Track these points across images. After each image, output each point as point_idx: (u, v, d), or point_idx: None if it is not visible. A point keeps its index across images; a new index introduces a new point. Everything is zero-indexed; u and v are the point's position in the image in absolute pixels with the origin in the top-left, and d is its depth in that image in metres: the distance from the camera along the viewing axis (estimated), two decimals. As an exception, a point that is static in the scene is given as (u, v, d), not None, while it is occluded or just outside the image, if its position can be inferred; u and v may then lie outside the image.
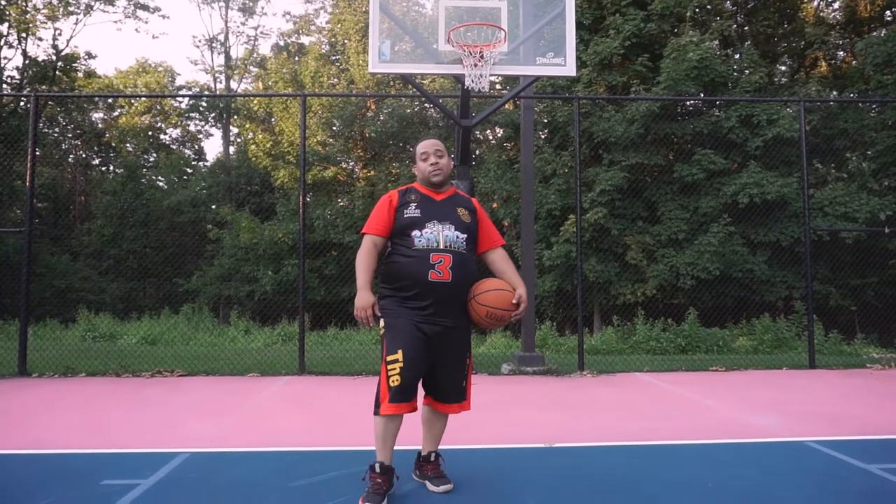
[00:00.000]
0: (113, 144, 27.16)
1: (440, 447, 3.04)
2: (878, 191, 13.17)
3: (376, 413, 2.76)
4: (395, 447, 2.83)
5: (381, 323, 2.82)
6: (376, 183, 19.33)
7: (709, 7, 16.72)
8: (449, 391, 2.89)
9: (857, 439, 3.85)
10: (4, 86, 21.36)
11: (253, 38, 31.86)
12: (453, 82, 14.64)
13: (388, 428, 2.77)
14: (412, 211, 2.85)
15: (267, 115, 24.33)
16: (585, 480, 3.08)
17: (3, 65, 21.74)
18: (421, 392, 2.89)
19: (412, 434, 3.13)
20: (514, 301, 2.79)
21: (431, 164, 2.93)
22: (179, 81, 30.00)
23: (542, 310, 14.29)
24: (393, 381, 2.71)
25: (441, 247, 2.77)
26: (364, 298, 2.79)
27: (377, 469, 2.77)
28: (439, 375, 2.86)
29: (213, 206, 22.63)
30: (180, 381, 6.14)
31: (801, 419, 4.40)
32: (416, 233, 2.79)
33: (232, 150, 27.04)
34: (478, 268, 2.95)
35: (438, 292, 2.75)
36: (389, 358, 2.73)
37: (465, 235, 2.84)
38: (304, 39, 27.37)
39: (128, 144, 27.25)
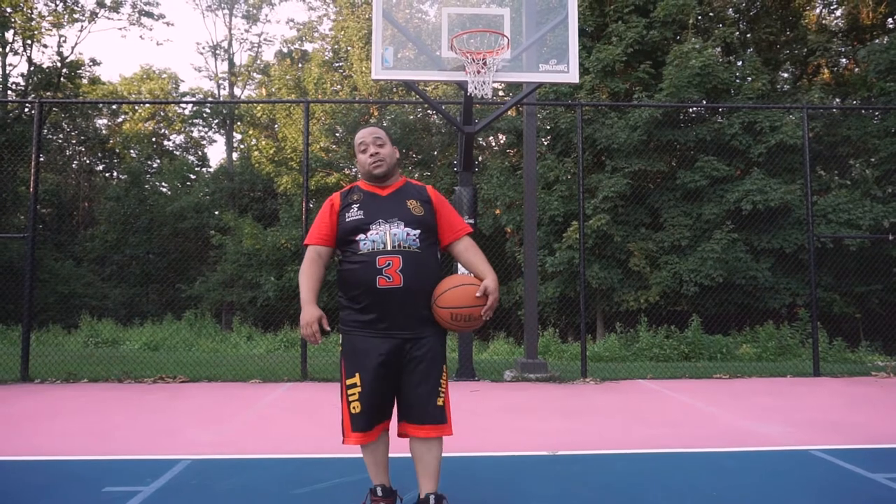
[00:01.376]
0: (117, 150, 27.25)
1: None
2: (881, 198, 13.15)
3: (343, 442, 2.54)
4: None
5: (340, 338, 2.59)
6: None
7: (711, 14, 16.75)
8: (419, 411, 2.47)
9: (863, 448, 3.82)
10: (9, 92, 21.48)
11: (256, 45, 32.16)
12: (456, 89, 14.65)
13: (374, 454, 2.57)
14: (354, 213, 2.53)
15: (270, 121, 24.43)
16: (589, 488, 3.06)
17: (8, 71, 21.89)
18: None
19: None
20: (477, 294, 2.43)
21: (371, 155, 2.58)
22: (183, 88, 30.18)
23: (544, 316, 14.26)
24: (353, 408, 2.47)
25: (388, 248, 2.44)
26: (308, 313, 2.50)
27: (378, 493, 2.55)
28: (407, 394, 2.49)
29: (216, 212, 22.67)
30: (182, 388, 6.13)
31: (806, 427, 4.38)
32: (361, 237, 2.49)
33: (235, 156, 27.13)
34: (441, 263, 2.64)
35: (390, 299, 2.43)
36: (348, 382, 2.49)
37: (418, 231, 2.50)
38: (308, 46, 27.50)
39: (131, 150, 27.34)
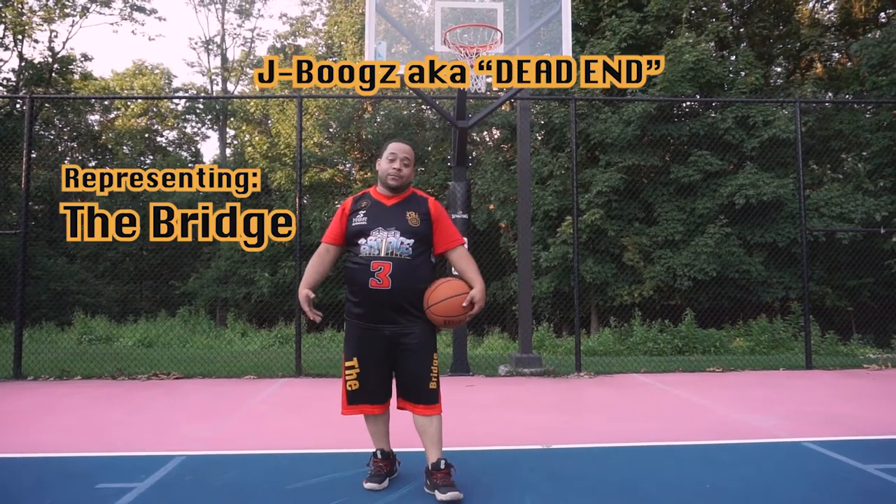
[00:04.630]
0: (109, 146, 27.09)
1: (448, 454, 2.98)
2: (873, 191, 13.21)
3: (341, 412, 2.97)
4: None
5: (345, 326, 2.97)
6: (373, 184, 19.26)
7: (704, 9, 16.77)
8: (413, 392, 2.88)
9: (854, 439, 3.85)
10: (0, 88, 21.30)
11: (249, 40, 31.80)
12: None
13: (375, 425, 3.01)
14: (360, 219, 2.90)
15: (263, 117, 24.33)
16: (583, 481, 3.08)
17: (-2, 67, 21.69)
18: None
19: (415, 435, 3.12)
20: (464, 304, 2.81)
21: (395, 168, 2.94)
22: (176, 83, 29.96)
23: (539, 311, 14.30)
24: (350, 386, 2.90)
25: (382, 254, 2.80)
26: (300, 294, 2.93)
27: (378, 455, 3.02)
28: (403, 377, 2.90)
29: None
30: (176, 384, 6.12)
31: (798, 419, 4.41)
32: (362, 241, 2.85)
33: (229, 152, 27.00)
34: (434, 268, 2.99)
35: (378, 299, 2.80)
36: (347, 364, 2.91)
37: (412, 240, 2.85)
38: (301, 41, 27.41)
39: (124, 146, 27.18)
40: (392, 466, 3.05)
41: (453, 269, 3.04)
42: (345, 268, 2.95)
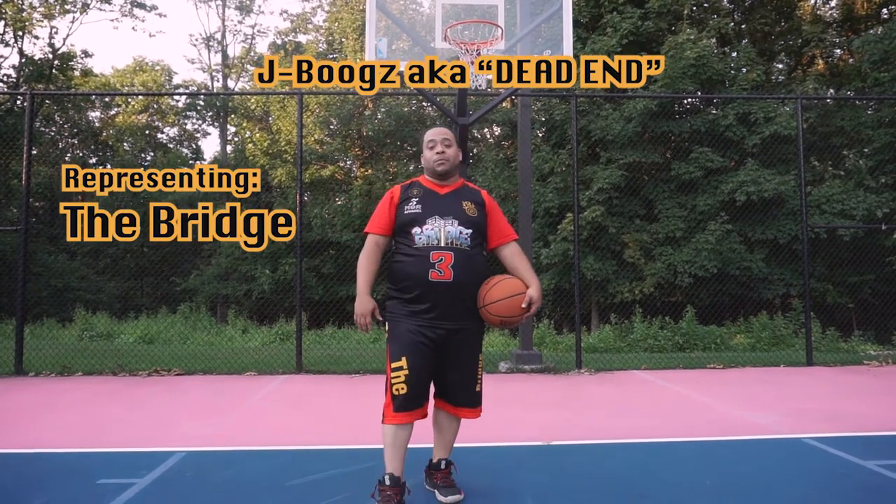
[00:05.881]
0: (110, 143, 27.09)
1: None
2: (874, 188, 13.20)
3: (383, 421, 2.63)
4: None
5: (387, 326, 2.70)
6: (374, 181, 19.34)
7: (706, 5, 16.73)
8: (461, 395, 2.72)
9: (855, 436, 3.85)
10: (0, 84, 21.29)
11: (250, 37, 31.79)
12: (451, 80, 14.60)
13: (397, 436, 2.60)
14: (413, 207, 2.68)
15: (264, 113, 24.32)
16: (583, 478, 3.08)
17: (-1, 63, 21.66)
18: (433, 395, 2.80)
19: (420, 433, 3.11)
20: (523, 305, 2.65)
21: (437, 153, 2.76)
22: (177, 80, 30.01)
23: (539, 308, 14.27)
24: (397, 390, 2.57)
25: (442, 244, 2.60)
26: (363, 304, 2.64)
27: (387, 482, 2.58)
28: (449, 379, 2.70)
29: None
30: (177, 381, 6.13)
31: (799, 416, 4.41)
32: (416, 230, 2.63)
33: (229, 148, 27.02)
34: (487, 262, 2.80)
35: (440, 293, 2.58)
36: (394, 365, 2.60)
37: (470, 231, 2.67)
38: (302, 38, 27.39)
39: (125, 143, 27.18)
40: (402, 495, 2.60)
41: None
42: (391, 262, 2.73)
